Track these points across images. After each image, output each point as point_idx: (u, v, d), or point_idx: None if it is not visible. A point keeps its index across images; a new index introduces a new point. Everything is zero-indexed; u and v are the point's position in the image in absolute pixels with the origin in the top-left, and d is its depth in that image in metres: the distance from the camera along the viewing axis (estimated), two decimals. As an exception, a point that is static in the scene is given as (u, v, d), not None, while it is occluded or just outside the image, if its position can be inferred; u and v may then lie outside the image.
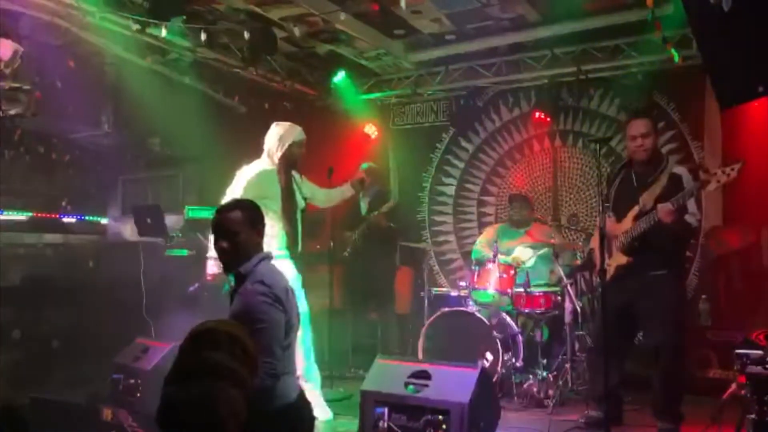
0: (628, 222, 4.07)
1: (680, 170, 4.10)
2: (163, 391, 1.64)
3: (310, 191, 4.84)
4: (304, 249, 4.67)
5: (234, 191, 4.36)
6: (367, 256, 6.29)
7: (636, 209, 4.04)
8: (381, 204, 6.31)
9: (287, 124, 4.64)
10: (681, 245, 4.27)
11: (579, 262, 5.41)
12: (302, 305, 4.25)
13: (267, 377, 2.58)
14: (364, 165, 6.56)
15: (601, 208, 3.93)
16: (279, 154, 4.51)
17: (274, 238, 4.28)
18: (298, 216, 4.60)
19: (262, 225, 2.96)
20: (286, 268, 4.12)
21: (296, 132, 4.59)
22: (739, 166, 3.61)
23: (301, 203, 4.66)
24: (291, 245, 4.47)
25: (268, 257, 2.91)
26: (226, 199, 4.37)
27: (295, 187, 4.60)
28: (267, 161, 4.55)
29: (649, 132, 4.08)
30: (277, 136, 4.54)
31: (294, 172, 4.65)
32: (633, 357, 4.43)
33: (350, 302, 6.45)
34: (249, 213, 2.89)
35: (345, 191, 5.10)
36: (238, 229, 2.81)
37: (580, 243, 5.87)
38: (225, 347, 1.66)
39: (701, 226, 4.65)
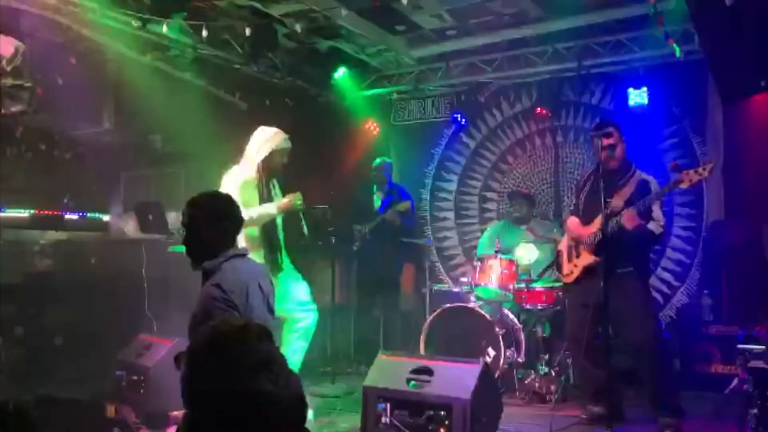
0: (596, 225, 4.15)
1: (648, 177, 4.24)
2: (252, 392, 1.46)
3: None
4: (291, 254, 4.46)
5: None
6: (375, 252, 6.28)
7: (606, 212, 4.08)
8: (397, 201, 6.21)
9: (272, 129, 4.35)
10: (645, 246, 4.37)
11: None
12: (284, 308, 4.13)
13: None
14: (377, 160, 6.54)
15: (604, 213, 3.95)
16: (259, 159, 4.23)
17: (253, 250, 3.78)
18: (278, 226, 4.35)
19: (230, 220, 2.80)
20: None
21: (279, 139, 4.29)
22: (711, 167, 3.82)
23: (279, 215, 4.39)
24: (269, 256, 4.17)
25: (240, 254, 2.80)
26: None
27: (274, 196, 4.36)
28: (247, 168, 4.25)
29: (617, 141, 4.22)
30: (259, 142, 4.27)
31: (274, 180, 4.40)
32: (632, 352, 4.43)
33: (352, 298, 6.46)
34: (208, 209, 2.76)
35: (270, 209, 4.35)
36: (195, 224, 2.73)
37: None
38: (267, 337, 1.64)
39: (665, 232, 4.62)
